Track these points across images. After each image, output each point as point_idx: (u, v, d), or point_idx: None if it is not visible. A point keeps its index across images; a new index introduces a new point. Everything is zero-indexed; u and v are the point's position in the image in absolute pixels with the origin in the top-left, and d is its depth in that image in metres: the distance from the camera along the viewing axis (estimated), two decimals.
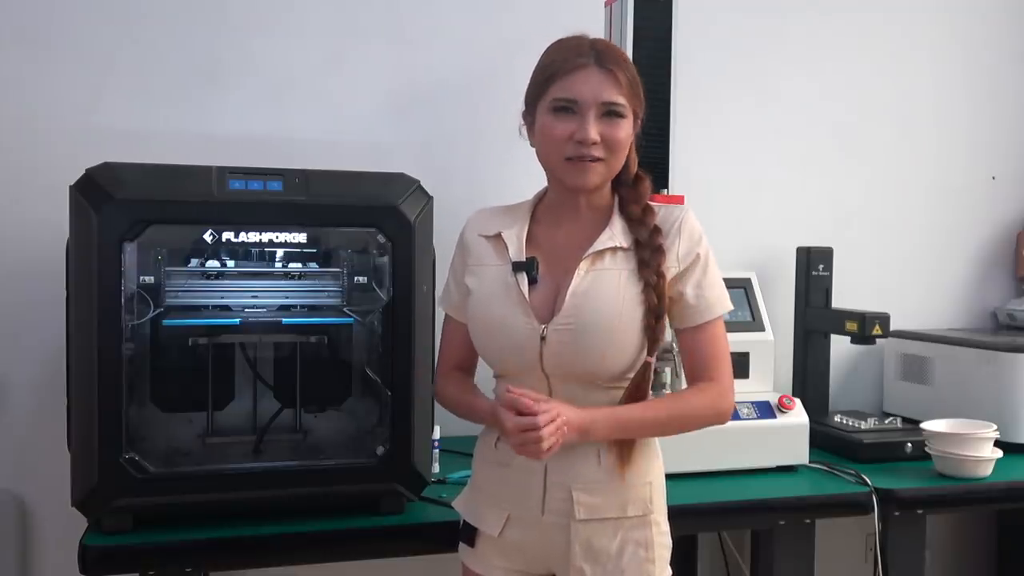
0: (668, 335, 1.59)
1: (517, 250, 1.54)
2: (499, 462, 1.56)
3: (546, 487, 1.52)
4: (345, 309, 1.94)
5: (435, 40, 2.47)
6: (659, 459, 1.59)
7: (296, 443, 1.95)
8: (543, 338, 1.47)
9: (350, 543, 1.81)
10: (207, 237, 1.84)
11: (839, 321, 2.44)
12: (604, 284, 1.49)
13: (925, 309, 2.90)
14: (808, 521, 2.08)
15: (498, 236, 1.57)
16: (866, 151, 2.84)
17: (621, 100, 1.47)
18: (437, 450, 2.04)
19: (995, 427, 2.20)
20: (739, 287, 2.37)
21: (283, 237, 1.86)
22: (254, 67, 2.35)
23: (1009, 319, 2.90)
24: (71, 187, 1.68)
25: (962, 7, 2.92)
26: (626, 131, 1.49)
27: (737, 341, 2.24)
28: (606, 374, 1.49)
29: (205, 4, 2.31)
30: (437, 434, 2.02)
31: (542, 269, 1.52)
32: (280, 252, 1.91)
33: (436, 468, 2.04)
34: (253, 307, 1.91)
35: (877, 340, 2.38)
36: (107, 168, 1.69)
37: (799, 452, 2.22)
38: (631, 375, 1.51)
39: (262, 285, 1.91)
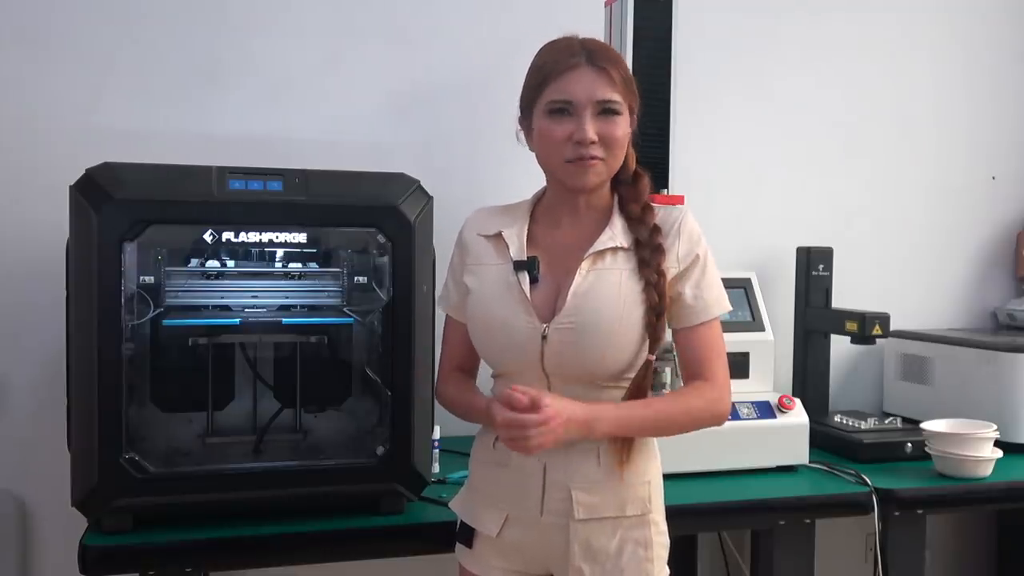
0: (668, 335, 1.59)
1: (518, 249, 1.54)
2: (497, 462, 1.56)
3: (545, 487, 1.51)
4: (345, 309, 1.94)
5: (434, 40, 2.47)
6: (657, 458, 1.59)
7: (296, 443, 1.95)
8: (544, 337, 1.47)
9: (350, 543, 1.81)
10: (207, 237, 1.84)
11: (839, 321, 2.44)
12: (605, 284, 1.49)
13: (925, 309, 2.90)
14: (808, 521, 2.08)
15: (498, 235, 1.57)
16: (866, 151, 2.84)
17: (616, 97, 1.47)
18: (437, 450, 2.05)
19: (995, 427, 2.20)
20: (739, 287, 2.37)
21: (283, 237, 1.86)
22: (254, 67, 2.35)
23: (1009, 319, 2.90)
24: (71, 187, 1.68)
25: (962, 7, 2.92)
26: (623, 128, 1.49)
27: (737, 341, 2.25)
28: (607, 374, 1.49)
29: (205, 4, 2.31)
30: (437, 434, 2.02)
31: (542, 269, 1.52)
32: (280, 252, 1.91)
33: (436, 468, 2.04)
34: (253, 307, 1.91)
35: (877, 340, 2.38)
36: (107, 168, 1.69)
37: (799, 452, 2.22)
38: (631, 375, 1.51)
39: (262, 285, 1.91)
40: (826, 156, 2.80)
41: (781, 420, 2.21)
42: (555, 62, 1.48)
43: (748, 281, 2.40)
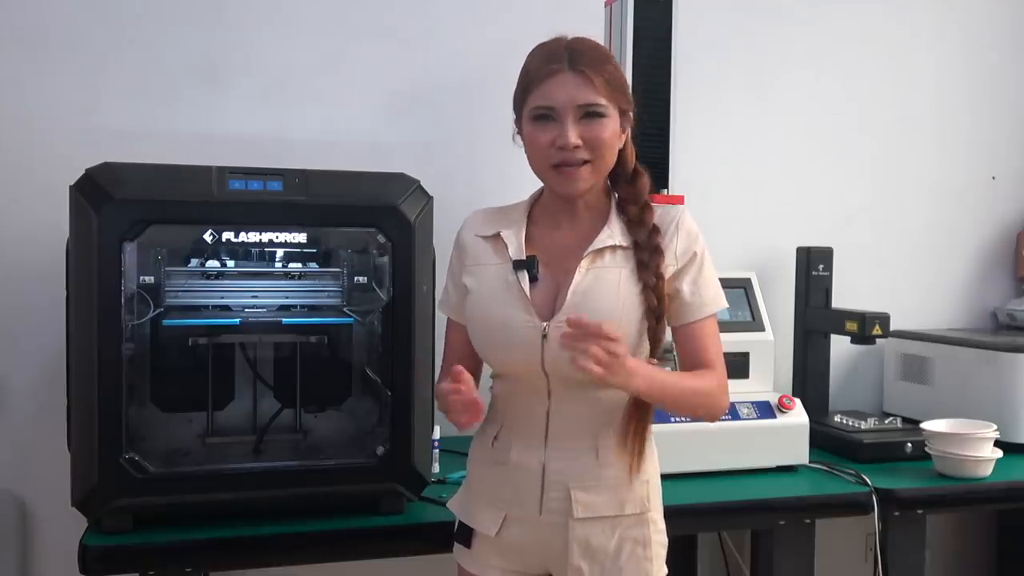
0: (668, 335, 1.59)
1: (517, 249, 1.54)
2: (495, 461, 1.56)
3: (544, 486, 1.52)
4: (345, 309, 1.94)
5: (434, 40, 2.47)
6: (655, 457, 1.59)
7: (296, 443, 1.96)
8: (544, 336, 1.48)
9: (350, 543, 1.81)
10: (207, 237, 1.84)
11: (839, 321, 2.44)
12: (605, 282, 1.49)
13: (925, 309, 2.90)
14: (808, 521, 2.08)
15: (496, 236, 1.57)
16: (866, 151, 2.84)
17: (598, 100, 1.47)
18: (437, 450, 2.05)
19: (995, 427, 2.20)
20: (739, 287, 2.37)
21: (283, 237, 1.86)
22: (254, 67, 2.35)
23: (1009, 319, 2.90)
24: (71, 187, 1.68)
25: (963, 7, 2.92)
26: (610, 129, 1.49)
27: (737, 341, 2.25)
28: None
29: (204, 4, 2.31)
30: (437, 434, 2.02)
31: (541, 268, 1.52)
32: (280, 252, 1.91)
33: (436, 468, 2.04)
34: (253, 307, 1.91)
35: (877, 340, 2.38)
36: (107, 168, 1.69)
37: (799, 452, 2.22)
38: None
39: (262, 285, 1.91)
40: (826, 156, 2.80)
41: (781, 420, 2.21)
42: (537, 68, 1.49)
43: (748, 281, 2.40)
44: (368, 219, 1.82)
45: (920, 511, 2.14)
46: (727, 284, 2.34)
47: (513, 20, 2.46)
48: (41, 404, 2.18)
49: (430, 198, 1.85)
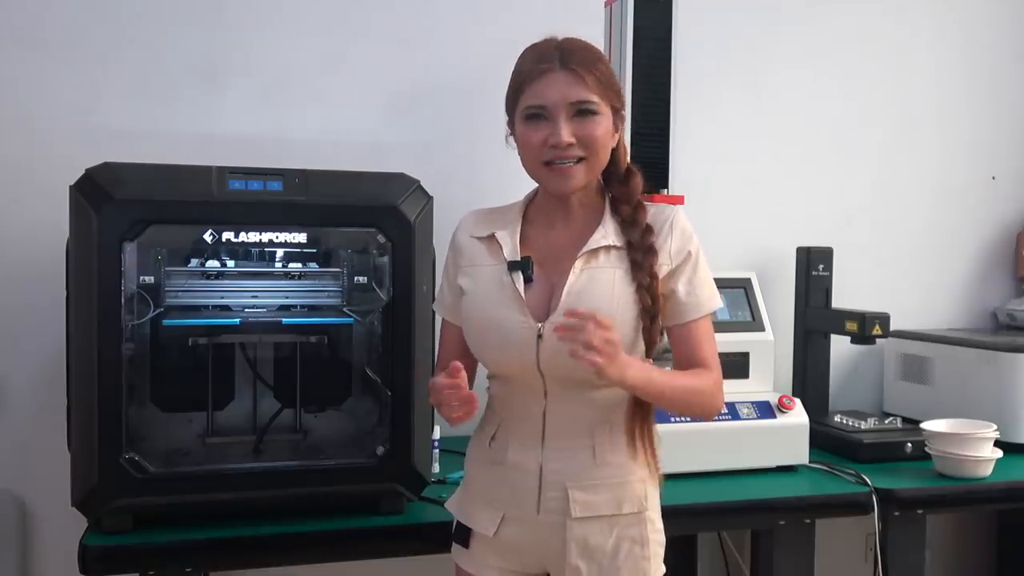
0: (664, 338, 1.59)
1: (512, 250, 1.54)
2: (493, 460, 1.56)
3: (541, 485, 1.52)
4: (345, 309, 1.94)
5: (434, 40, 2.47)
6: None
7: (296, 443, 1.96)
8: (540, 336, 1.48)
9: (350, 543, 1.81)
10: (207, 237, 1.84)
11: (839, 321, 2.44)
12: (599, 282, 1.49)
13: (925, 309, 2.90)
14: (808, 521, 2.08)
15: (491, 237, 1.57)
16: (866, 151, 2.84)
17: (590, 97, 1.47)
18: (437, 450, 2.04)
19: (995, 427, 2.20)
20: (739, 287, 2.37)
21: (283, 237, 1.86)
22: (254, 67, 2.35)
23: (1009, 319, 2.90)
24: (71, 187, 1.68)
25: (962, 7, 2.92)
26: (603, 127, 1.49)
27: (737, 341, 2.26)
28: None
29: (204, 4, 2.31)
30: (437, 434, 2.02)
31: (536, 269, 1.53)
32: (280, 252, 1.91)
33: (436, 468, 2.04)
34: (253, 307, 1.91)
35: (877, 340, 2.38)
36: (107, 168, 1.69)
37: (799, 452, 2.22)
38: None
39: (262, 285, 1.91)
40: (826, 156, 2.80)
41: (781, 420, 2.21)
42: (529, 69, 1.50)
43: (748, 281, 2.40)
44: (368, 219, 1.82)
45: (920, 511, 2.14)
46: (727, 284, 2.36)
47: (513, 20, 2.45)
48: (41, 404, 2.18)
49: (430, 198, 1.85)
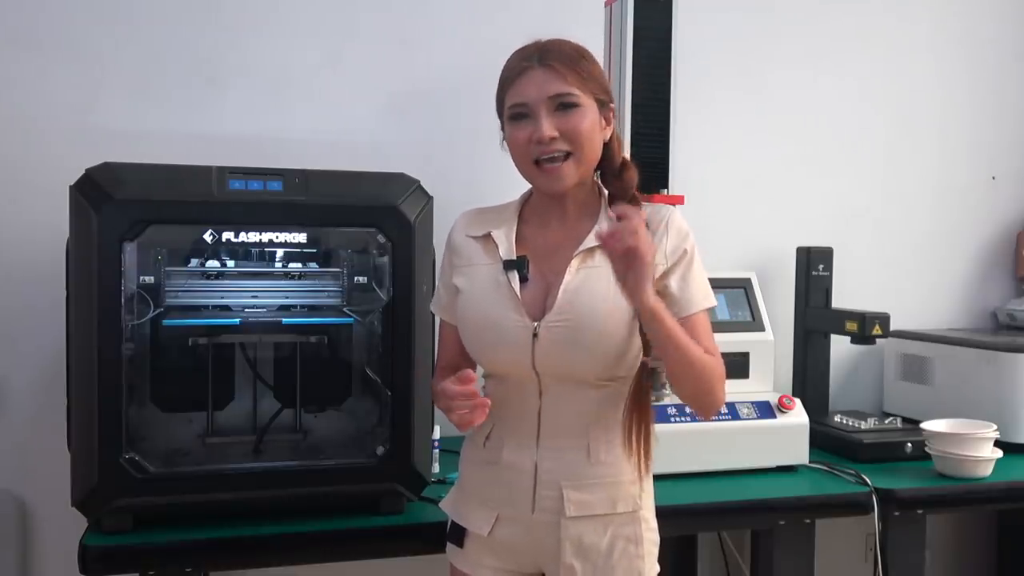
0: None
1: (507, 249, 1.54)
2: (487, 460, 1.56)
3: (536, 485, 1.52)
4: (345, 309, 1.94)
5: (434, 40, 2.47)
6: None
7: (296, 443, 1.96)
8: (535, 335, 1.48)
9: (350, 543, 1.81)
10: (207, 237, 1.84)
11: (839, 321, 2.44)
12: (595, 281, 1.49)
13: (925, 309, 2.90)
14: (808, 521, 2.08)
15: (487, 236, 1.57)
16: (866, 151, 2.84)
17: (569, 90, 1.47)
18: (437, 450, 2.04)
19: (995, 427, 2.20)
20: (739, 287, 2.37)
21: (283, 237, 1.86)
22: (253, 67, 2.35)
23: (1009, 319, 2.90)
24: (71, 187, 1.68)
25: (963, 6, 2.92)
26: (588, 119, 1.49)
27: (737, 341, 2.26)
28: (598, 372, 1.50)
29: (203, 4, 2.31)
30: (437, 434, 2.02)
31: (532, 268, 1.52)
32: (280, 252, 1.91)
33: (436, 468, 2.04)
34: (253, 307, 1.91)
35: (877, 340, 2.38)
36: (107, 168, 1.69)
37: (799, 452, 2.22)
38: (623, 375, 1.51)
39: (262, 285, 1.91)
40: (826, 156, 2.80)
41: (781, 420, 2.21)
42: (510, 69, 1.51)
43: (748, 281, 2.40)
44: (368, 219, 1.82)
45: (920, 511, 2.14)
46: (727, 284, 2.37)
47: (513, 20, 2.46)
48: (41, 404, 2.18)
49: (430, 198, 1.85)
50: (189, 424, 1.91)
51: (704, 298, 1.53)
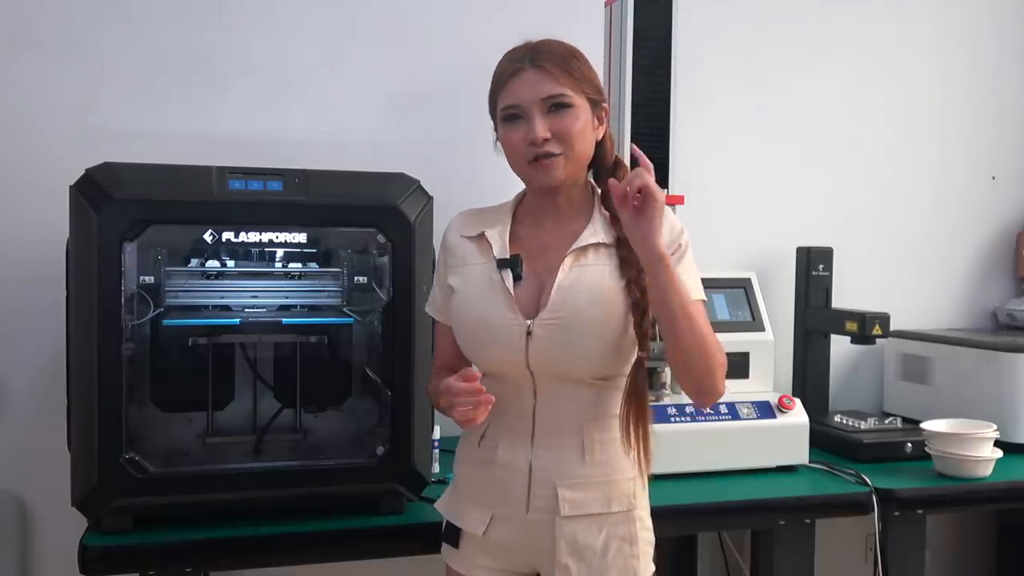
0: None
1: (501, 248, 1.55)
2: (482, 460, 1.57)
3: (531, 484, 1.52)
4: (345, 309, 1.94)
5: (435, 40, 2.47)
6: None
7: (296, 443, 1.96)
8: (529, 334, 1.48)
9: (350, 543, 1.81)
10: (207, 237, 1.84)
11: (839, 321, 2.44)
12: (589, 279, 1.49)
13: (925, 309, 2.90)
14: (808, 521, 2.08)
15: (481, 236, 1.58)
16: (866, 151, 2.84)
17: (561, 91, 1.48)
18: (437, 450, 2.04)
19: (995, 427, 2.20)
20: (739, 287, 2.37)
21: (283, 237, 1.86)
22: (254, 67, 2.35)
23: (1009, 319, 2.90)
24: (71, 187, 1.68)
25: (964, 6, 2.92)
26: (581, 120, 1.49)
27: (737, 341, 2.26)
28: (592, 370, 1.50)
29: (203, 4, 2.31)
30: (437, 434, 2.02)
31: (526, 267, 1.53)
32: (280, 252, 1.91)
33: (436, 468, 2.04)
34: (253, 307, 1.91)
35: (877, 340, 2.38)
36: (107, 168, 1.69)
37: (799, 452, 2.22)
38: (617, 374, 1.51)
39: (262, 285, 1.91)
40: (826, 156, 2.80)
41: (781, 420, 2.21)
42: (502, 71, 1.52)
43: (748, 281, 2.40)
44: (368, 219, 1.82)
45: (920, 511, 2.14)
46: (727, 284, 2.37)
47: (513, 20, 2.45)
48: (41, 404, 2.18)
49: (430, 198, 1.85)
50: (189, 424, 1.91)
51: (696, 290, 1.53)
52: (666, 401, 2.11)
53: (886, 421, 2.49)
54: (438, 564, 1.67)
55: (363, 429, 1.96)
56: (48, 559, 2.24)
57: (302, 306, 1.94)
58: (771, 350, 2.33)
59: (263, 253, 1.91)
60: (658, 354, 1.55)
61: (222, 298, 1.89)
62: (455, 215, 1.66)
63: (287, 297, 1.92)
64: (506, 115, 1.51)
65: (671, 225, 1.54)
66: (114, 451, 1.69)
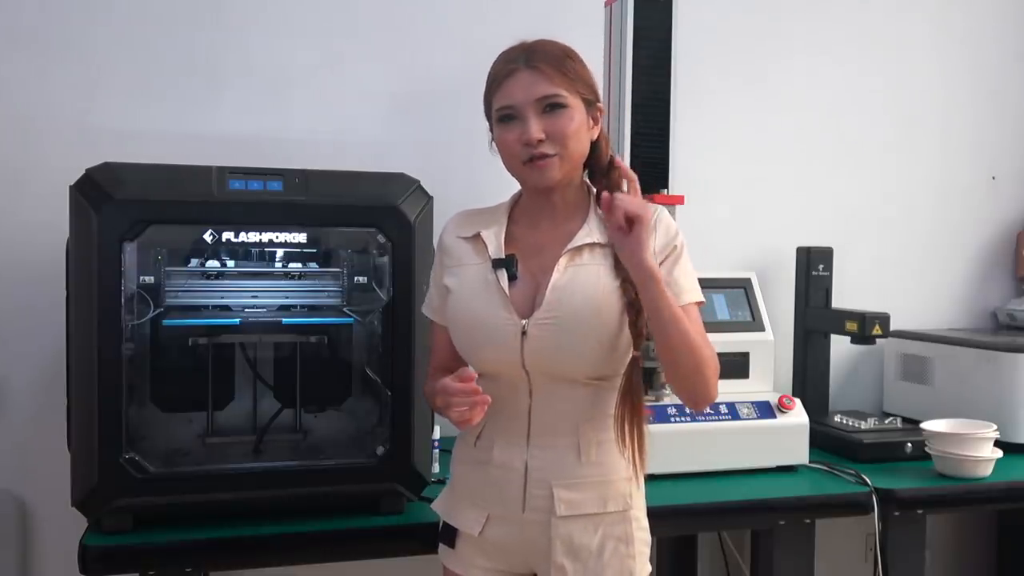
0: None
1: (496, 248, 1.55)
2: (478, 460, 1.57)
3: (527, 484, 1.52)
4: (345, 309, 1.94)
5: (435, 40, 2.47)
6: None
7: (296, 443, 1.96)
8: (524, 333, 1.48)
9: (350, 543, 1.81)
10: (207, 237, 1.84)
11: (839, 321, 2.44)
12: (584, 279, 1.49)
13: (925, 309, 2.90)
14: (808, 521, 2.08)
15: (477, 236, 1.58)
16: (867, 151, 2.84)
17: (556, 91, 1.48)
18: (437, 450, 2.04)
19: (995, 427, 2.20)
20: (739, 287, 2.37)
21: (283, 237, 1.86)
22: (253, 67, 2.35)
23: (1009, 319, 2.90)
24: (71, 187, 1.68)
25: (965, 6, 2.92)
26: (576, 120, 1.49)
27: (737, 341, 2.26)
28: (587, 369, 1.50)
29: (203, 4, 2.31)
30: (437, 434, 2.02)
31: (521, 267, 1.53)
32: (280, 252, 1.91)
33: (436, 468, 2.04)
34: (253, 307, 1.91)
35: (877, 340, 2.38)
36: (107, 168, 1.69)
37: (799, 452, 2.22)
38: (612, 373, 1.51)
39: (262, 285, 1.91)
40: (826, 156, 2.80)
41: (781, 420, 2.21)
42: (497, 71, 1.52)
43: (748, 281, 2.40)
44: (368, 219, 1.82)
45: (920, 511, 2.14)
46: (727, 284, 2.37)
47: (513, 20, 2.45)
48: (41, 404, 2.18)
49: (430, 198, 1.85)
50: (189, 424, 1.91)
51: (692, 292, 1.53)
52: (666, 401, 2.11)
53: (886, 421, 2.49)
54: (438, 564, 1.67)
55: (363, 429, 1.96)
56: (48, 559, 2.24)
57: (302, 306, 1.94)
58: (771, 350, 2.33)
59: (263, 253, 1.91)
60: (656, 354, 1.55)
61: (222, 298, 1.89)
62: (452, 216, 1.66)
63: (287, 297, 1.92)
64: (501, 116, 1.51)
65: (666, 227, 1.54)
66: (114, 451, 1.69)
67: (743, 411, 2.20)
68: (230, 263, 1.89)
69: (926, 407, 2.53)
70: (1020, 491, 2.21)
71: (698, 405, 1.53)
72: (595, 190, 1.57)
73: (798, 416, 2.23)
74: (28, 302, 2.17)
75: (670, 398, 2.15)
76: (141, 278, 1.80)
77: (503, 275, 1.52)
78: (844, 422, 2.47)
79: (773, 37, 2.74)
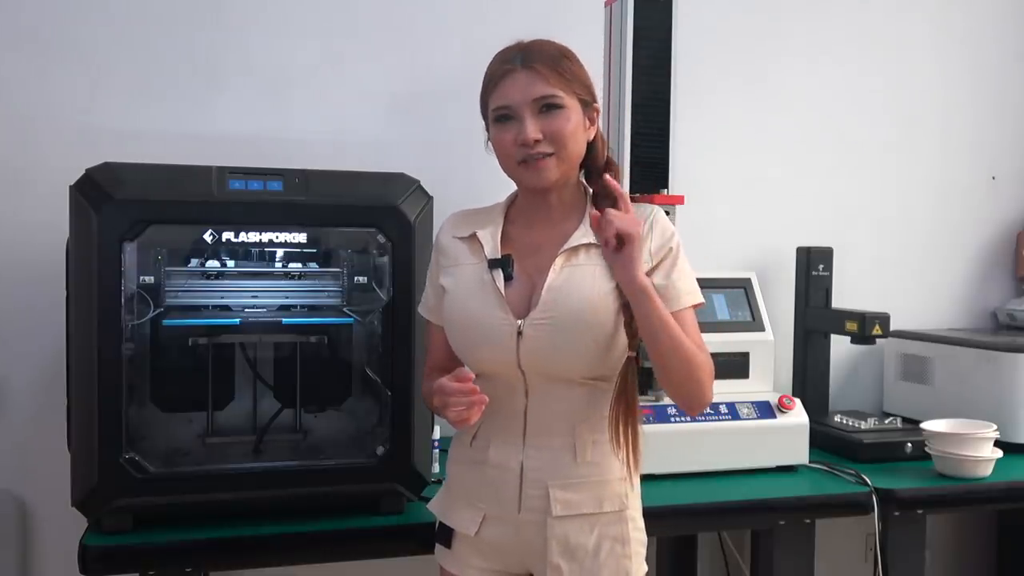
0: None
1: (492, 248, 1.55)
2: (474, 460, 1.57)
3: (522, 484, 1.52)
4: (345, 309, 1.94)
5: (435, 40, 2.47)
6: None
7: (296, 443, 1.96)
8: (520, 333, 1.48)
9: (350, 543, 1.81)
10: (207, 237, 1.84)
11: (839, 321, 2.44)
12: (579, 279, 1.49)
13: (925, 309, 2.90)
14: (808, 521, 2.08)
15: (473, 236, 1.58)
16: (866, 151, 2.84)
17: (552, 91, 1.48)
18: (437, 450, 2.04)
19: (995, 427, 2.20)
20: (739, 287, 2.37)
21: (283, 237, 1.86)
22: (254, 67, 2.35)
23: (1009, 319, 2.90)
24: (71, 187, 1.68)
25: (965, 6, 2.92)
26: (572, 121, 1.49)
27: (737, 341, 2.26)
28: (583, 369, 1.50)
29: (203, 4, 2.31)
30: (437, 434, 2.02)
31: (517, 267, 1.53)
32: (280, 252, 1.91)
33: (436, 468, 2.03)
34: (253, 307, 1.91)
35: (877, 340, 2.38)
36: (107, 168, 1.69)
37: (799, 452, 2.22)
38: (608, 373, 1.51)
39: (262, 285, 1.91)
40: (826, 156, 2.80)
41: (781, 420, 2.21)
42: (493, 71, 1.52)
43: (748, 281, 2.40)
44: (368, 219, 1.82)
45: (920, 511, 2.14)
46: (727, 284, 2.37)
47: (513, 20, 2.45)
48: (41, 404, 2.18)
49: (430, 198, 1.85)
50: (189, 424, 1.91)
51: (690, 294, 1.53)
52: (665, 401, 2.11)
53: (886, 421, 2.49)
54: (437, 564, 1.67)
55: (363, 429, 1.96)
56: (48, 559, 2.24)
57: (302, 306, 1.94)
58: (771, 350, 2.33)
59: (263, 253, 1.91)
60: (646, 355, 1.54)
61: (222, 298, 1.89)
62: (448, 216, 1.66)
63: (287, 297, 1.92)
64: (497, 116, 1.51)
65: (662, 229, 1.54)
66: (114, 451, 1.69)
67: (743, 411, 2.20)
68: (230, 263, 1.89)
69: (926, 407, 2.53)
70: (1020, 491, 2.21)
71: (692, 409, 1.54)
72: (591, 190, 1.57)
73: (798, 416, 2.23)
74: (28, 302, 2.17)
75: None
76: (141, 278, 1.80)
77: (499, 275, 1.52)
78: (844, 422, 2.47)
79: (773, 37, 2.74)
